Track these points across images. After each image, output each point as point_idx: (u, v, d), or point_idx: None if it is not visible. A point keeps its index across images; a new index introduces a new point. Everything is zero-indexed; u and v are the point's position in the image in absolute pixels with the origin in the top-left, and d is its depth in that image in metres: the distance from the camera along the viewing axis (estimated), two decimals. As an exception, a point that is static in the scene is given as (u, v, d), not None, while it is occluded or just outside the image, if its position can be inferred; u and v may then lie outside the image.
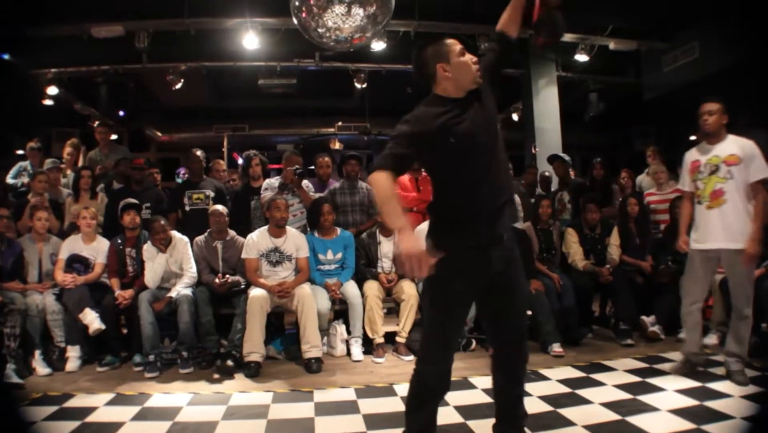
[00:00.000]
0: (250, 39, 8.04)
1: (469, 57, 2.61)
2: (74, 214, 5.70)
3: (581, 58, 9.04)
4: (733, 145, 4.13)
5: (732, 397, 3.81)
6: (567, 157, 7.51)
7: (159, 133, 13.33)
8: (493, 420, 3.06)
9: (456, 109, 2.56)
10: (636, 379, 4.33)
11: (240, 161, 11.55)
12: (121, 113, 10.20)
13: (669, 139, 8.99)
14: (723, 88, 6.87)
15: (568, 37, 9.02)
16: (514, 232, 3.02)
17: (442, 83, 2.62)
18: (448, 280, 2.50)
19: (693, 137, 8.33)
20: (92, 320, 4.89)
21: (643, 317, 5.54)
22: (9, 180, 6.89)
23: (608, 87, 10.48)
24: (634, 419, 3.48)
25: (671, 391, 4.00)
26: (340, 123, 13.10)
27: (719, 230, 4.12)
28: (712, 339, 5.15)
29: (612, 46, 9.05)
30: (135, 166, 6.44)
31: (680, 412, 3.58)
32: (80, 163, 7.36)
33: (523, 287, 2.75)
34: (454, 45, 2.63)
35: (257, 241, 5.26)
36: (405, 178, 6.24)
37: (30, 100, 9.48)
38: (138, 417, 3.79)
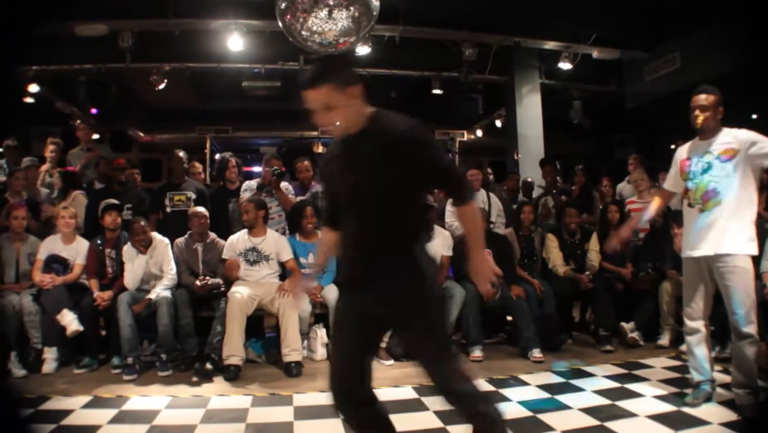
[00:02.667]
0: (234, 41, 8.01)
1: None
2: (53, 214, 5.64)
3: (565, 66, 9.12)
4: (727, 136, 3.70)
5: (710, 403, 3.84)
6: (556, 163, 7.58)
7: (141, 134, 13.22)
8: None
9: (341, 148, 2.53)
10: (615, 385, 4.36)
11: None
12: (94, 111, 10.07)
13: (650, 148, 9.08)
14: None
15: (551, 45, 9.12)
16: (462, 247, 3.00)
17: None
18: (337, 307, 2.63)
19: (673, 146, 8.43)
20: (70, 321, 4.83)
21: (623, 324, 5.58)
22: None
23: (591, 95, 10.57)
24: (613, 425, 3.50)
25: (650, 397, 4.04)
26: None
27: (712, 234, 3.65)
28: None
29: (595, 54, 9.14)
30: (116, 166, 6.38)
31: (658, 417, 3.61)
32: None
33: (426, 342, 2.48)
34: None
35: (235, 241, 5.26)
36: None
37: (9, 98, 9.35)
38: (115, 420, 3.75)
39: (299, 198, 5.98)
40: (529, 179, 8.04)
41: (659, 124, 9.42)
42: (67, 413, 3.85)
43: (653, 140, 9.73)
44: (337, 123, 2.44)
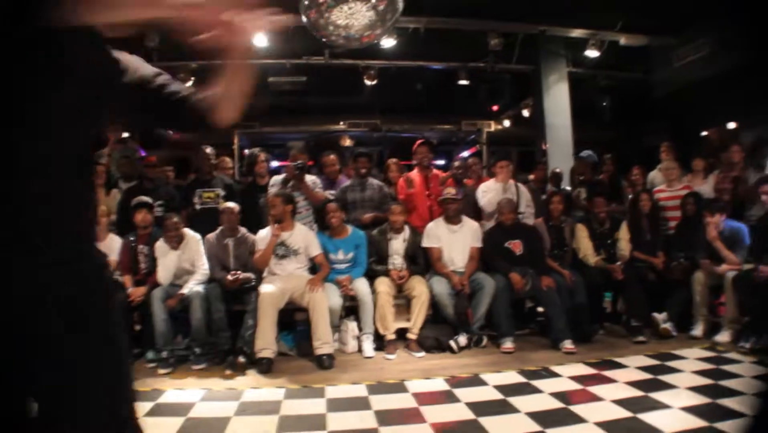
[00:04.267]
0: (259, 37, 8.05)
1: None
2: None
3: (592, 53, 9.01)
4: None
5: (745, 395, 3.78)
6: (593, 155, 7.52)
7: (170, 132, 13.37)
8: (505, 416, 3.09)
9: None
10: (648, 376, 4.31)
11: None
12: None
13: (681, 136, 8.93)
14: (734, 86, 6.85)
15: (578, 33, 9.01)
16: None
17: None
18: None
19: (704, 133, 8.29)
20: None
21: (655, 314, 5.52)
22: None
23: (619, 83, 10.44)
24: (646, 417, 3.47)
25: (683, 388, 3.98)
26: (350, 120, 13.12)
27: None
28: (724, 336, 5.12)
29: (622, 41, 9.02)
30: (147, 164, 6.47)
31: (692, 409, 3.56)
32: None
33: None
34: None
35: (264, 235, 5.30)
36: (414, 174, 6.25)
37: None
38: (152, 413, 3.81)
39: (328, 192, 6.00)
40: (558, 170, 7.97)
41: (689, 111, 9.25)
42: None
43: (684, 128, 9.57)
44: None
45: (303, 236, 5.38)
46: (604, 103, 10.48)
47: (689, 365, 4.54)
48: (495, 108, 12.50)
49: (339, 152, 6.80)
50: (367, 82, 9.72)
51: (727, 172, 6.06)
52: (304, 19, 5.13)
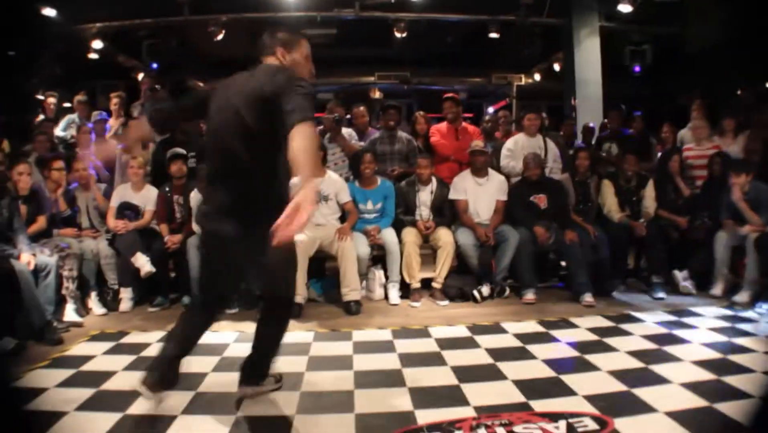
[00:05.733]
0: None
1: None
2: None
3: (625, 8, 8.84)
4: None
5: (757, 352, 3.87)
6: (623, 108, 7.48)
7: (201, 84, 13.50)
8: (523, 362, 3.26)
9: None
10: (664, 331, 4.41)
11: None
12: (154, 66, 10.35)
13: (714, 94, 8.77)
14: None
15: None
16: None
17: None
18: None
19: (739, 92, 8.13)
20: (143, 263, 5.16)
21: (676, 272, 5.60)
22: (59, 133, 7.11)
23: (652, 38, 10.22)
24: (657, 368, 3.58)
25: (697, 344, 4.07)
26: (379, 72, 13.10)
27: None
28: (743, 297, 5.14)
29: (657, -6, 8.82)
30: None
31: (704, 363, 3.65)
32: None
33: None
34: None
35: (297, 181, 5.41)
36: (443, 126, 6.33)
37: (75, 55, 9.71)
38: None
39: (359, 143, 6.12)
40: (591, 124, 7.94)
41: (724, 69, 9.05)
42: (145, 345, 4.19)
43: (718, 86, 9.40)
44: None
45: (333, 183, 5.49)
46: (637, 59, 10.27)
47: (705, 323, 4.61)
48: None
49: (369, 104, 6.86)
50: (397, 35, 9.69)
51: (758, 133, 6.01)
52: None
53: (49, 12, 8.12)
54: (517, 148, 6.16)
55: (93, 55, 9.70)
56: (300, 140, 2.38)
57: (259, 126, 2.64)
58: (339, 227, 5.38)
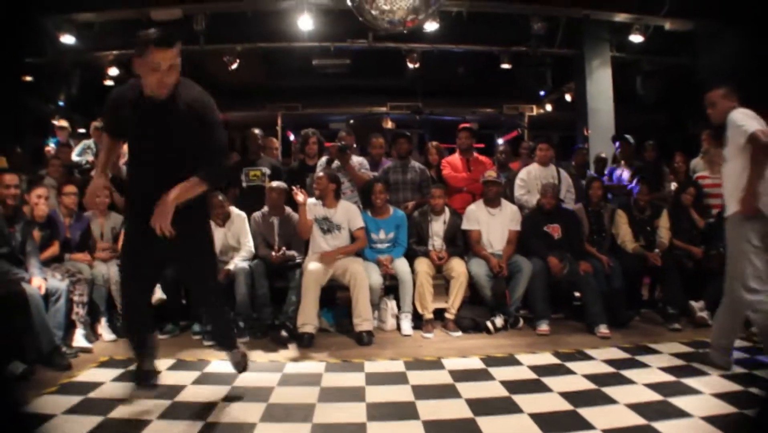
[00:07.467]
0: (304, 20, 8.19)
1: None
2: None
3: (636, 38, 8.89)
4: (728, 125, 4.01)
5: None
6: (631, 139, 7.45)
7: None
8: (539, 394, 3.19)
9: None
10: (681, 363, 4.33)
11: (293, 138, 11.79)
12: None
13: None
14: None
15: (622, 17, 8.89)
16: None
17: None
18: None
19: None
20: (155, 290, 5.14)
21: (692, 302, 5.52)
22: (74, 158, 7.19)
23: (663, 68, 10.26)
24: (677, 401, 3.51)
25: (716, 376, 4.00)
26: (392, 102, 13.21)
27: None
28: None
29: (668, 26, 8.86)
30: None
31: (724, 396, 3.59)
32: None
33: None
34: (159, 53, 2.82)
35: (312, 205, 5.44)
36: (456, 158, 6.34)
37: (92, 82, 9.85)
38: (198, 381, 4.03)
39: (371, 173, 6.12)
40: (603, 154, 7.93)
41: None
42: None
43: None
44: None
45: (345, 211, 5.49)
46: (648, 89, 10.29)
47: (724, 354, 4.53)
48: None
49: (384, 135, 6.90)
50: (410, 65, 9.77)
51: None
52: (349, 3, 5.24)
53: (68, 39, 8.24)
54: (530, 178, 6.16)
55: (109, 82, 9.82)
56: (190, 186, 2.94)
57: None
58: (352, 257, 5.38)
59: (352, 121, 13.09)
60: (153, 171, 3.01)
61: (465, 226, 5.71)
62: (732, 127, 3.94)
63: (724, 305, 4.11)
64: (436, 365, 4.39)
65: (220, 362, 4.41)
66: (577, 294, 5.85)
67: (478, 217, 5.70)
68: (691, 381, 3.88)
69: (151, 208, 2.88)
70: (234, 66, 9.36)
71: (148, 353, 3.50)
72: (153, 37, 2.80)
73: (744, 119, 3.88)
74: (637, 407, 3.42)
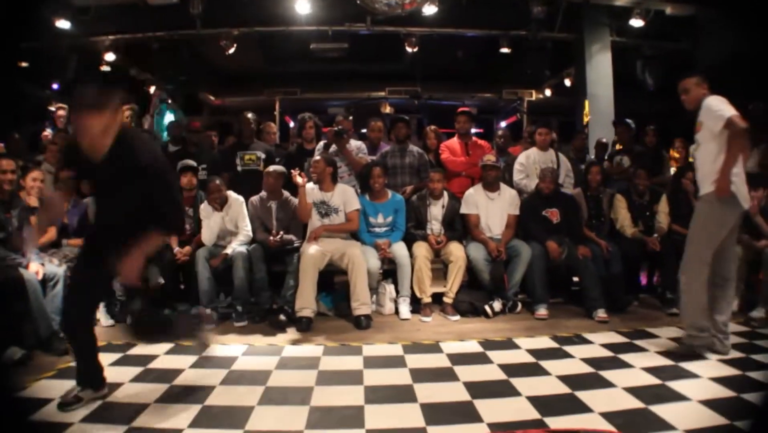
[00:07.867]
0: (302, 4, 8.11)
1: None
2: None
3: (636, 23, 8.81)
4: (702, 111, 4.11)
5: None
6: (632, 124, 7.41)
7: (212, 97, 13.60)
8: (536, 378, 3.20)
9: None
10: (679, 347, 4.29)
11: (292, 124, 11.74)
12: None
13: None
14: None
15: (623, 2, 8.82)
16: None
17: None
18: None
19: (750, 107, 8.06)
20: (153, 275, 5.12)
21: (690, 287, 5.52)
22: None
23: (664, 53, 10.18)
24: (674, 384, 3.52)
25: (714, 360, 4.00)
26: (390, 87, 13.14)
27: None
28: (760, 312, 5.05)
29: (668, 11, 8.78)
30: (191, 129, 6.64)
31: (722, 380, 3.59)
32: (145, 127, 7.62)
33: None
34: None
35: (310, 190, 5.43)
36: (455, 142, 6.31)
37: (88, 67, 9.77)
38: (197, 365, 4.02)
39: (370, 157, 6.09)
40: (604, 139, 7.90)
41: (734, 84, 8.98)
42: (152, 357, 4.15)
43: (729, 101, 9.33)
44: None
45: (343, 194, 5.48)
46: (648, 74, 10.22)
47: (722, 338, 4.53)
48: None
49: (383, 119, 6.87)
50: (408, 50, 9.70)
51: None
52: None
53: (63, 24, 8.16)
54: (529, 162, 6.14)
55: (105, 68, 9.75)
56: (151, 239, 3.01)
57: None
58: (350, 241, 5.36)
59: (351, 109, 13.01)
60: (107, 215, 3.16)
61: (464, 210, 5.70)
62: (707, 113, 4.04)
63: (683, 284, 4.20)
64: (434, 348, 4.39)
65: (218, 346, 4.42)
66: (575, 279, 5.86)
67: (476, 201, 5.68)
68: (688, 365, 3.88)
69: (108, 243, 3.01)
70: (231, 50, 9.27)
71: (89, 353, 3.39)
72: (84, 99, 2.76)
73: (720, 105, 3.99)
74: (634, 391, 3.42)
